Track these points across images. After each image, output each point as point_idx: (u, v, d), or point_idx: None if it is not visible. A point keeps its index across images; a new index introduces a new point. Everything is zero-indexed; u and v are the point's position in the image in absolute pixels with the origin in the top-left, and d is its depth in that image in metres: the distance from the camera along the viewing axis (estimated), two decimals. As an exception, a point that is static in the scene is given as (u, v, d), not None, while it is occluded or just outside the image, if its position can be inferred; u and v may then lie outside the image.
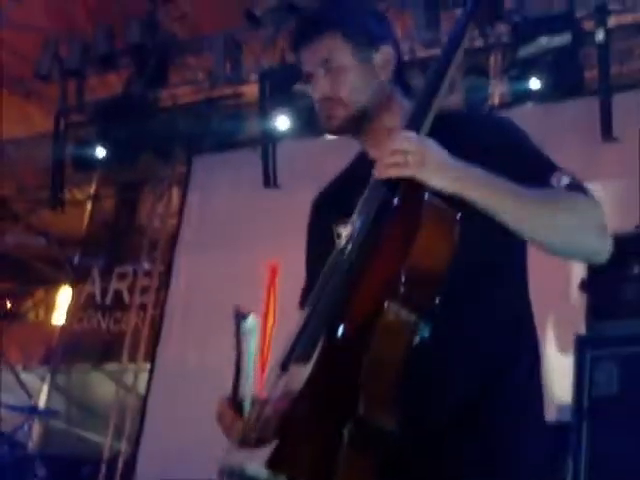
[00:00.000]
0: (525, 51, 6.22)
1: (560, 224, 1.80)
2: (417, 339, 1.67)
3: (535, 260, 2.00)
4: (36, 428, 7.95)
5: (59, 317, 8.96)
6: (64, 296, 9.01)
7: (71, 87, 8.21)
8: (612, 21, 6.25)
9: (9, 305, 9.16)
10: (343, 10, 2.06)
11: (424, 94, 1.86)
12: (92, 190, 9.21)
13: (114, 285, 8.70)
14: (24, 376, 8.54)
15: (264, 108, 7.20)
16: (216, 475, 1.75)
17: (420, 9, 6.59)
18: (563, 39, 6.07)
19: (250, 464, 1.65)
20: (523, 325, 1.95)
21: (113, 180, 9.13)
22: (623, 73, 6.45)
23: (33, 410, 7.30)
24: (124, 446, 7.66)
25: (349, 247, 1.77)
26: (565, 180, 1.86)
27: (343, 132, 2.03)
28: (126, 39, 7.71)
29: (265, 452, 1.65)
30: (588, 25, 6.16)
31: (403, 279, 1.65)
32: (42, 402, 8.18)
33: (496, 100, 7.11)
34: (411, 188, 1.72)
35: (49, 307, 9.26)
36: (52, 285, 9.17)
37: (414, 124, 1.81)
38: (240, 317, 1.93)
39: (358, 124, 2.00)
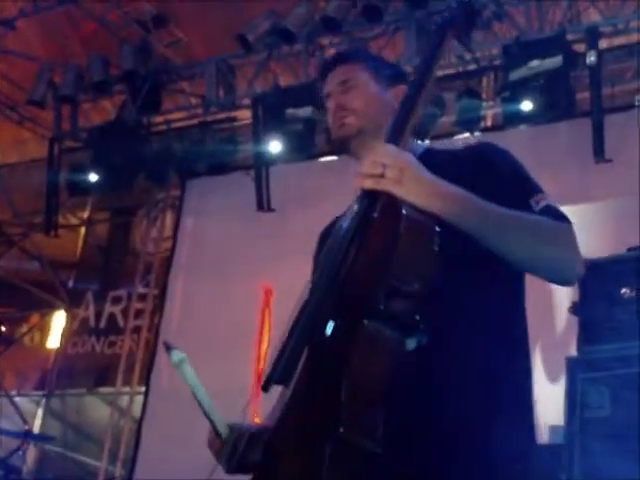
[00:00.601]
0: (517, 74, 6.26)
1: (523, 241, 1.82)
2: (401, 355, 1.65)
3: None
4: (31, 452, 7.92)
5: (54, 341, 8.96)
6: (59, 320, 9.00)
7: (65, 113, 8.25)
8: (603, 43, 6.31)
9: (4, 330, 9.14)
10: (370, 52, 2.24)
11: (402, 108, 1.89)
12: (86, 214, 9.23)
13: (108, 309, 8.71)
14: (19, 401, 8.52)
15: (257, 132, 7.24)
16: None
17: (412, 33, 6.64)
18: (555, 61, 6.12)
19: None
20: (518, 343, 1.96)
21: (107, 205, 9.15)
22: (615, 95, 6.49)
23: (28, 435, 7.27)
24: (119, 470, 7.64)
25: (329, 260, 1.78)
26: (543, 203, 1.90)
27: (351, 140, 2.09)
28: (119, 65, 7.74)
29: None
30: (579, 47, 6.21)
31: (382, 295, 1.64)
32: (37, 427, 8.16)
33: (489, 122, 7.15)
34: (389, 201, 1.73)
35: (44, 331, 9.25)
36: (47, 309, 9.17)
37: (393, 137, 1.84)
38: (167, 351, 1.96)
39: (364, 138, 2.06)
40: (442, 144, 2.00)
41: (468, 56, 6.90)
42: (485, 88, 7.10)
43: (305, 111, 6.99)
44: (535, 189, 1.94)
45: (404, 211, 1.70)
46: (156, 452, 7.09)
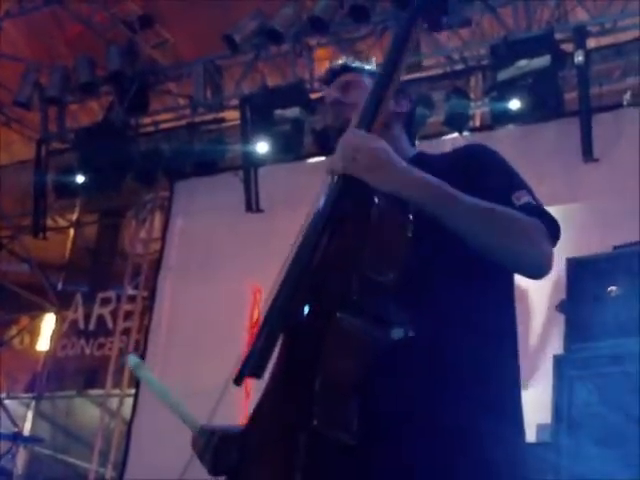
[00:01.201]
0: (505, 73, 6.28)
1: (491, 231, 1.81)
2: (375, 348, 1.62)
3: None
4: (21, 455, 7.90)
5: (43, 344, 8.93)
6: (48, 323, 8.98)
7: (52, 114, 8.22)
8: (591, 43, 6.33)
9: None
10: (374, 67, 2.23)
11: (373, 93, 1.88)
12: (74, 216, 9.21)
13: (97, 311, 8.69)
14: (8, 403, 8.49)
15: (245, 133, 7.24)
16: None
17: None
18: (542, 61, 6.13)
19: None
20: (501, 339, 1.93)
21: (95, 206, 9.13)
22: (603, 94, 6.51)
23: (18, 437, 7.24)
24: (109, 471, 7.63)
25: (301, 246, 1.74)
26: (524, 200, 1.89)
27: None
28: (106, 66, 7.73)
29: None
30: (567, 47, 6.22)
31: (356, 286, 1.60)
32: (27, 429, 8.14)
33: (477, 122, 7.16)
34: (361, 189, 1.71)
35: (33, 334, 9.22)
36: (36, 312, 9.14)
37: (364, 123, 1.82)
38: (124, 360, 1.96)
39: None
40: (432, 148, 2.04)
41: (456, 56, 6.92)
42: (473, 88, 7.11)
43: (293, 111, 6.99)
44: (518, 186, 1.94)
45: (376, 198, 1.67)
46: (146, 454, 7.08)
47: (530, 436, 4.19)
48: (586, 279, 4.11)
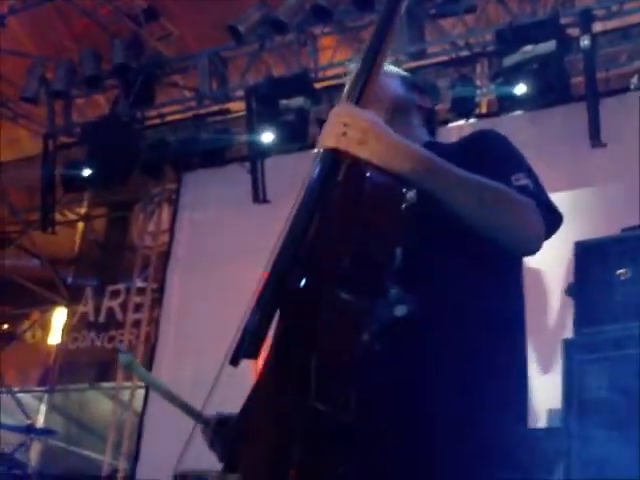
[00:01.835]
0: (511, 59, 6.25)
1: (481, 205, 1.78)
2: (370, 325, 1.59)
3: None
4: (35, 447, 7.94)
5: (55, 337, 8.97)
6: (59, 316, 9.01)
7: (58, 109, 8.24)
8: (597, 27, 6.29)
9: (5, 327, 9.16)
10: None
11: (363, 66, 1.85)
12: (83, 210, 9.22)
13: (107, 303, 8.71)
14: (22, 397, 8.53)
15: (251, 124, 7.23)
16: None
17: (404, 21, 6.61)
18: (548, 46, 6.10)
19: None
20: (505, 322, 1.92)
21: (104, 200, 9.15)
22: (610, 78, 6.48)
23: (31, 430, 7.29)
24: (122, 463, 7.65)
25: (295, 221, 1.71)
26: (522, 182, 1.88)
27: None
28: (112, 60, 7.73)
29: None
30: (573, 31, 6.19)
31: (349, 262, 1.57)
32: (40, 422, 8.18)
33: (483, 109, 7.14)
34: (352, 163, 1.68)
35: (45, 328, 9.26)
36: (47, 306, 9.18)
37: (352, 98, 1.79)
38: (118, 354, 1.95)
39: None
40: (438, 136, 2.03)
41: (461, 43, 6.89)
42: (479, 74, 7.09)
43: (298, 101, 6.99)
44: (519, 169, 1.92)
45: (368, 173, 1.65)
46: (158, 445, 7.10)
47: (541, 421, 4.20)
48: (594, 263, 4.09)
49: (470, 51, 6.88)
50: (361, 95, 1.79)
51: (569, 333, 4.20)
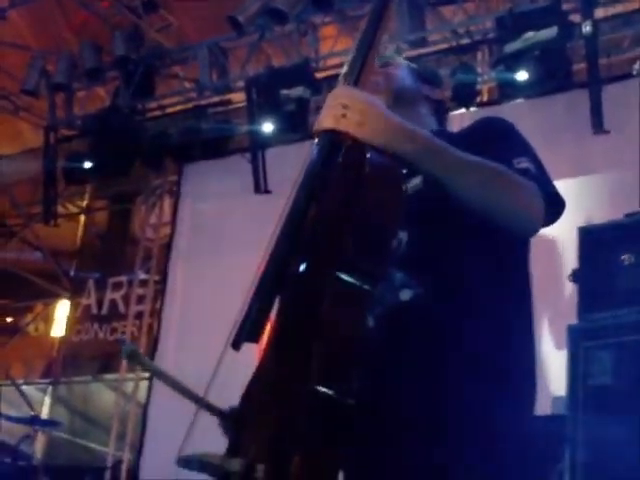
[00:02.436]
0: (512, 46, 6.22)
1: (482, 185, 1.78)
2: (372, 308, 1.59)
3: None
4: (39, 440, 7.96)
5: (58, 330, 8.98)
6: (62, 309, 9.02)
7: (59, 101, 8.23)
8: (599, 12, 6.25)
9: (8, 320, 9.17)
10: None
11: (359, 48, 1.84)
12: (85, 203, 9.22)
13: (110, 295, 8.73)
14: (26, 389, 8.55)
15: (252, 114, 7.22)
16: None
17: (404, 10, 6.59)
18: (550, 32, 6.07)
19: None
20: (511, 309, 1.91)
21: (105, 192, 9.15)
22: (612, 64, 6.46)
23: (36, 421, 7.31)
24: (127, 454, 7.67)
25: (294, 203, 1.71)
26: (523, 165, 1.87)
27: None
28: (112, 52, 7.72)
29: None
30: (575, 17, 6.16)
31: (350, 245, 1.56)
32: (45, 414, 8.19)
33: (485, 97, 7.12)
34: (352, 145, 1.67)
35: (48, 321, 9.27)
36: (50, 299, 9.18)
37: (351, 77, 1.79)
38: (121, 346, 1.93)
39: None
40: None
41: (462, 30, 6.87)
42: (480, 62, 7.07)
43: (298, 91, 6.97)
44: (522, 153, 1.91)
45: (368, 154, 1.63)
46: (163, 435, 7.12)
47: (546, 408, 4.17)
48: (598, 248, 4.08)
49: (471, 39, 6.86)
50: (359, 77, 1.78)
51: (574, 320, 4.19)
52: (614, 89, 6.10)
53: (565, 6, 6.22)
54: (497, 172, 1.81)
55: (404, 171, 1.68)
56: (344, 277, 1.56)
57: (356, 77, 1.78)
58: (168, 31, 8.31)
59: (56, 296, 9.09)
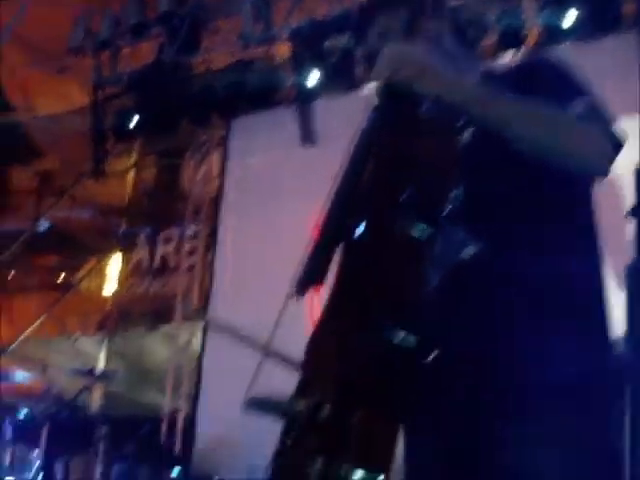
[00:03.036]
0: (561, -14, 6.13)
1: (544, 132, 1.79)
2: (440, 267, 1.59)
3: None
4: (96, 392, 8.11)
5: (110, 286, 9.12)
6: (114, 264, 9.15)
7: (105, 59, 8.27)
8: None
9: (62, 277, 9.33)
10: None
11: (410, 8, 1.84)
12: (133, 159, 9.30)
13: (161, 250, 8.82)
14: (81, 343, 8.71)
15: (297, 66, 7.21)
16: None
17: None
18: (600, -28, 5.97)
19: None
20: (585, 258, 1.93)
21: (153, 148, 9.21)
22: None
23: (92, 374, 7.47)
24: (182, 405, 7.81)
25: (353, 158, 1.73)
26: (582, 108, 1.87)
27: None
28: (156, 7, 7.73)
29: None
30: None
31: (408, 203, 1.57)
32: (100, 367, 8.34)
33: (532, 40, 7.02)
34: (408, 100, 1.69)
35: (100, 277, 9.40)
36: (101, 255, 9.31)
37: (407, 36, 1.84)
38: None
39: None
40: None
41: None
42: (527, 5, 6.95)
43: (342, 41, 6.93)
44: (579, 94, 1.91)
45: (424, 107, 1.66)
46: (217, 386, 7.25)
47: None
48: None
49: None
50: (411, 32, 1.79)
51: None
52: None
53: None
54: (559, 118, 1.80)
55: (462, 122, 1.69)
56: (404, 235, 1.58)
57: (409, 32, 1.79)
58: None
59: (107, 252, 9.22)
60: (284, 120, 7.50)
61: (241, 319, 7.32)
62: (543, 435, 1.74)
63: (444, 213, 1.63)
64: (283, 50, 7.58)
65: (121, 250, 9.03)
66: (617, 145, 1.87)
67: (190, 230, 8.60)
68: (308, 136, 7.35)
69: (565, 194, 1.90)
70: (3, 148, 8.77)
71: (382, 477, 1.49)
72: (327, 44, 7.03)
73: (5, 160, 9.12)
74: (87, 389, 7.60)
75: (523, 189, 1.83)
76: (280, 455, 1.64)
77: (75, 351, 8.50)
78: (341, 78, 7.02)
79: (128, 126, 8.13)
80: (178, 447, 7.59)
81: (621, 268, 4.56)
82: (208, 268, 8.01)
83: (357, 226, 1.68)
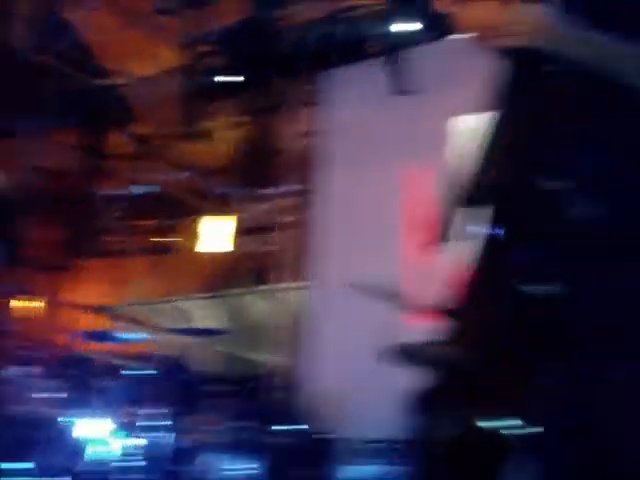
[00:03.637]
0: None
1: None
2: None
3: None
4: (201, 352, 8.22)
5: (211, 245, 9.19)
6: (211, 225, 9.21)
7: (194, 18, 8.24)
8: None
9: (160, 239, 9.45)
10: None
11: None
12: (227, 118, 9.29)
13: (260, 208, 8.85)
14: (184, 304, 8.84)
15: (387, 16, 7.09)
16: None
17: None
18: None
19: None
20: None
21: (246, 106, 9.18)
22: None
23: (197, 333, 7.56)
24: (285, 363, 7.85)
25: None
26: None
27: None
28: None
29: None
30: None
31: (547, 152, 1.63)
32: (204, 326, 8.43)
33: None
34: (530, 59, 1.72)
35: (200, 237, 9.48)
36: (200, 216, 9.38)
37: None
38: None
39: None
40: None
41: None
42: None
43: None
44: None
45: (546, 66, 1.69)
46: (328, 341, 7.27)
47: None
48: None
49: None
50: None
51: None
52: None
53: None
54: None
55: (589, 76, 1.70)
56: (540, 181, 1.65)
57: None
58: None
59: (205, 213, 9.29)
60: (376, 72, 7.40)
61: (341, 275, 7.31)
62: None
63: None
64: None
65: (219, 210, 9.08)
66: None
67: (287, 187, 8.59)
68: (400, 87, 7.23)
69: None
70: (99, 113, 8.88)
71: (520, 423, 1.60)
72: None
73: (101, 125, 9.24)
74: (192, 348, 7.71)
75: None
76: (424, 402, 1.70)
77: (178, 312, 8.62)
78: (431, 26, 6.85)
79: (220, 85, 8.11)
80: (285, 404, 7.67)
81: None
82: (307, 224, 8.01)
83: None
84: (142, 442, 6.93)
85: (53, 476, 6.45)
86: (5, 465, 6.28)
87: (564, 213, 1.62)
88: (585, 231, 1.67)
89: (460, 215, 1.79)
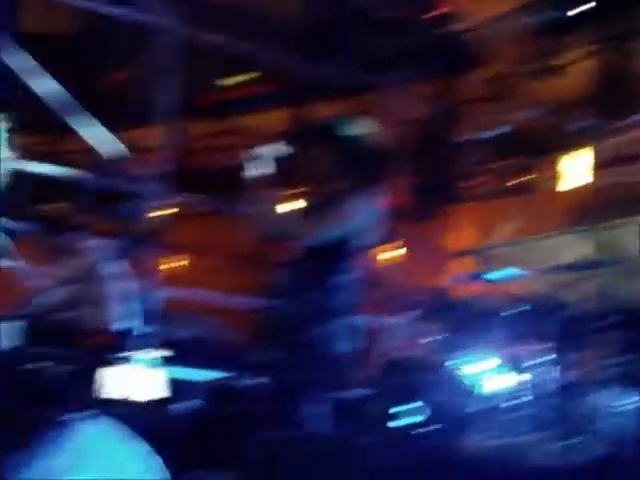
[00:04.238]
0: None
1: None
2: None
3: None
4: (572, 288, 8.10)
5: (570, 181, 9.09)
6: (570, 160, 9.09)
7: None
8: None
9: (521, 179, 9.47)
10: None
11: None
12: (579, 50, 9.12)
13: (617, 139, 8.61)
14: (552, 242, 8.77)
15: None
16: None
17: None
18: None
19: None
20: None
21: (598, 36, 8.96)
22: None
23: (573, 269, 7.46)
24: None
25: None
26: None
27: None
28: None
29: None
30: None
31: None
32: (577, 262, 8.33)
33: None
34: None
35: (558, 173, 9.39)
36: (557, 152, 9.30)
37: None
38: None
39: None
40: None
41: None
42: None
43: None
44: None
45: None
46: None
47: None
48: None
49: None
50: None
51: None
52: None
53: None
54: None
55: None
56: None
57: None
58: None
59: (562, 148, 9.19)
60: None
61: None
62: None
63: None
64: None
65: (577, 144, 8.93)
66: None
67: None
68: None
69: None
70: (447, 60, 8.98)
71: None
72: None
73: (450, 72, 9.34)
74: (566, 285, 7.64)
75: None
76: None
77: (547, 249, 8.59)
78: None
79: (570, 16, 7.96)
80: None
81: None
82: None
83: None
84: (528, 378, 6.95)
85: (444, 417, 6.62)
86: (395, 409, 6.51)
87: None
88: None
89: None
